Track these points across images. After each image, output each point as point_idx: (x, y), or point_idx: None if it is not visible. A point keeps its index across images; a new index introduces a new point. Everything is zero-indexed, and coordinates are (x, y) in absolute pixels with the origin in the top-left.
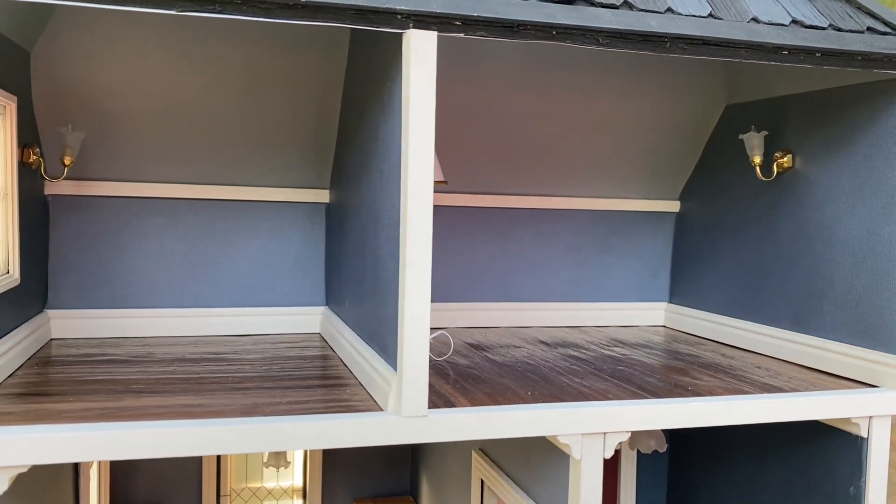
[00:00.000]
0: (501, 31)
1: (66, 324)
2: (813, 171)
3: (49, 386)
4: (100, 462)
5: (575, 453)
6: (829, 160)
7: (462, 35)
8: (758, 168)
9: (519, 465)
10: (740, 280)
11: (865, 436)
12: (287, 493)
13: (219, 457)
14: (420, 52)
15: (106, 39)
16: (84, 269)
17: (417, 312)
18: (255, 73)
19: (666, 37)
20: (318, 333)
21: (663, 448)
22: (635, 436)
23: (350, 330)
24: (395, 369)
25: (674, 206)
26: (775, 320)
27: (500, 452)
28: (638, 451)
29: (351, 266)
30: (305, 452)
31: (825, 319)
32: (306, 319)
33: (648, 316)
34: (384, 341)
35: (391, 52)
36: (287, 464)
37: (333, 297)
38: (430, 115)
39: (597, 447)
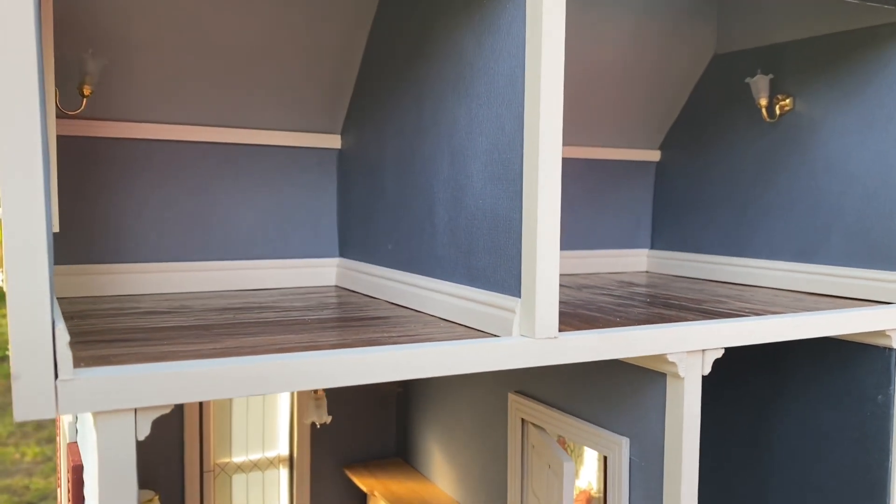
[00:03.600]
0: None
1: (70, 281)
2: (816, 112)
3: (119, 334)
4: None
5: (681, 371)
6: (833, 101)
7: None
8: (763, 110)
9: (580, 399)
10: (734, 221)
11: (895, 346)
12: (273, 463)
13: (201, 432)
14: None
15: None
16: (85, 219)
17: (549, 239)
18: (277, 5)
19: None
20: (335, 286)
21: None
22: None
23: (405, 272)
24: (519, 296)
25: (654, 156)
26: (775, 255)
27: (547, 390)
28: None
29: (402, 211)
30: (291, 422)
31: (833, 249)
32: (321, 272)
33: (630, 262)
34: (495, 274)
35: None
36: (328, 420)
37: (353, 246)
38: (561, 39)
39: (697, 364)
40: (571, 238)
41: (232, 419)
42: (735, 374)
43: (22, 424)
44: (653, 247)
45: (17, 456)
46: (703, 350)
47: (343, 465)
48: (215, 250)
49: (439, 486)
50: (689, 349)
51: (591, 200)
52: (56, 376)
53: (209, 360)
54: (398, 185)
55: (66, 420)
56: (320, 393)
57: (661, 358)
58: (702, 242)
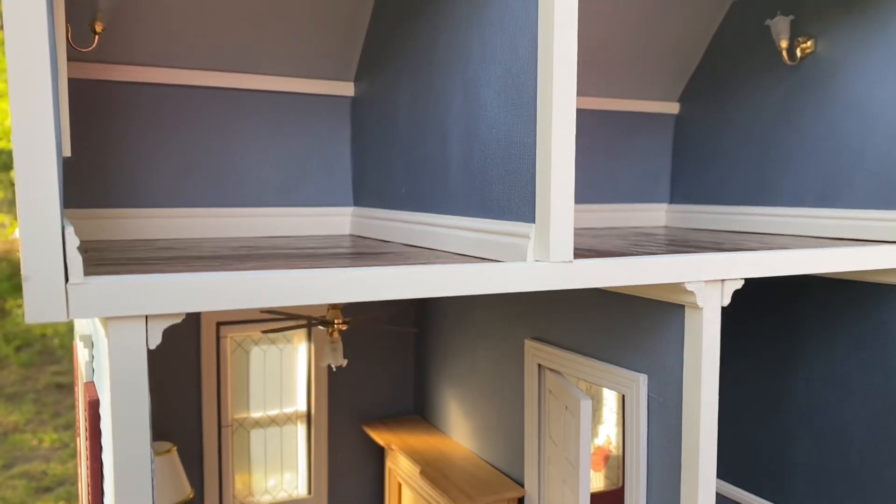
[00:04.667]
0: None
1: (83, 224)
2: (838, 53)
3: (132, 262)
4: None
5: (699, 301)
6: (854, 41)
7: None
8: (784, 53)
9: (597, 340)
10: (754, 171)
11: None
12: (291, 419)
13: (218, 387)
14: None
15: None
16: (99, 164)
17: (563, 161)
18: None
19: None
20: (349, 234)
21: None
22: None
23: (418, 213)
24: (534, 221)
25: (673, 108)
26: (797, 201)
27: (563, 335)
28: None
29: (416, 152)
30: (309, 377)
31: (855, 192)
32: (335, 220)
33: (649, 217)
34: (509, 203)
35: None
36: (343, 363)
37: (368, 195)
38: None
39: (716, 295)
40: (587, 192)
41: (250, 376)
42: (755, 320)
43: (39, 411)
44: (672, 201)
45: (35, 442)
46: (723, 280)
47: (361, 423)
48: (229, 197)
49: (456, 441)
50: (707, 278)
51: (608, 153)
52: (66, 280)
53: (221, 272)
54: (411, 127)
55: (82, 361)
56: (336, 336)
57: (678, 289)
58: (722, 194)
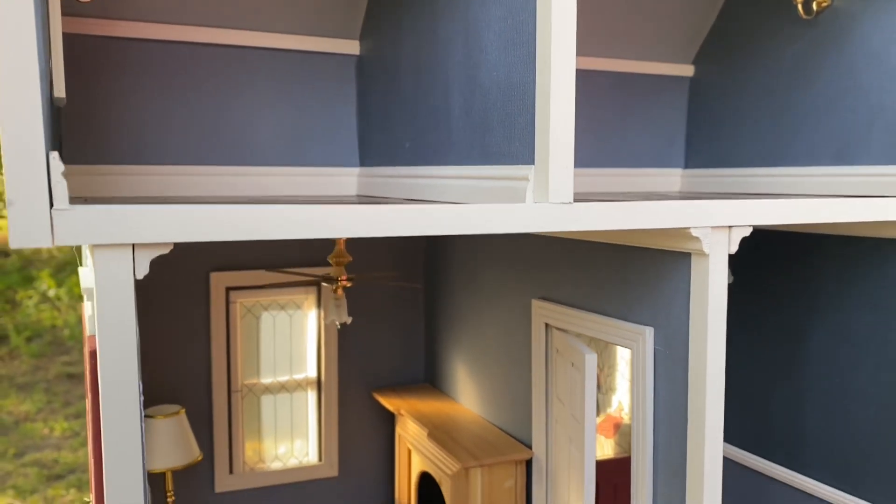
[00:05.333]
0: None
1: (81, 181)
2: (855, 5)
3: (129, 202)
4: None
5: (705, 247)
6: None
7: None
8: (800, 6)
9: (604, 295)
10: (771, 130)
11: None
12: (301, 385)
13: (228, 352)
14: None
15: None
16: (99, 120)
17: (562, 100)
18: None
19: None
20: (355, 195)
21: (730, 279)
22: None
23: (420, 167)
24: (533, 163)
25: (688, 70)
26: (815, 160)
27: (570, 292)
28: None
29: (419, 105)
30: (319, 344)
31: (874, 148)
32: (340, 181)
33: (663, 182)
34: (509, 147)
35: None
36: (348, 320)
37: (373, 154)
38: None
39: (723, 241)
40: (600, 156)
41: (260, 342)
42: (769, 280)
43: (50, 401)
44: (687, 165)
45: (46, 431)
46: (730, 227)
47: (371, 390)
48: (231, 156)
49: (466, 406)
50: (714, 224)
51: (621, 117)
52: (51, 205)
53: (216, 205)
54: (415, 80)
55: (87, 316)
56: (340, 293)
57: (684, 236)
58: (738, 156)
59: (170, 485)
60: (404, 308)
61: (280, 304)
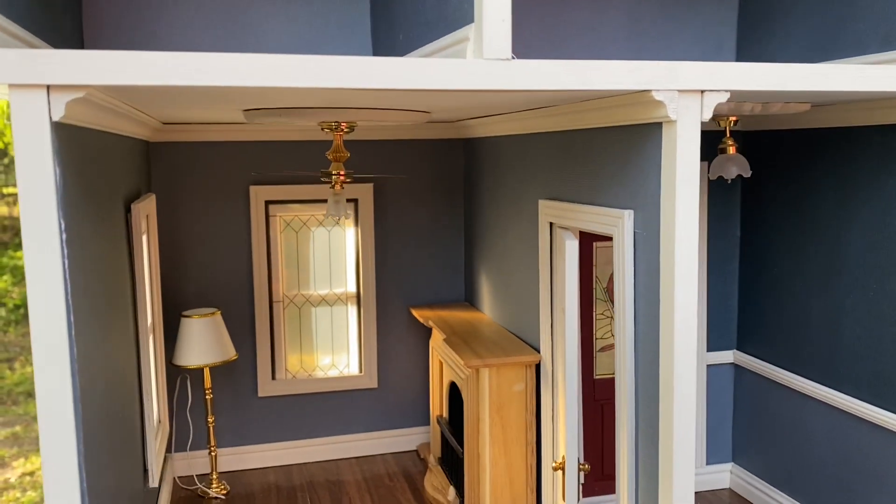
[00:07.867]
0: None
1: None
2: None
3: None
4: (151, 262)
5: (670, 112)
6: None
7: None
8: None
9: (594, 186)
10: (820, 24)
11: None
12: (341, 299)
13: (269, 264)
14: None
15: None
16: (117, 9)
17: None
18: None
19: None
20: None
21: (747, 173)
22: (717, 163)
23: (411, 53)
24: (473, 21)
25: None
26: (861, 49)
27: (570, 188)
28: (710, 183)
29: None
30: (357, 258)
31: None
32: None
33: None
34: (461, 13)
35: None
36: (348, 215)
37: (383, 51)
38: None
39: (693, 107)
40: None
41: (298, 255)
42: (800, 182)
43: None
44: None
45: None
46: (703, 91)
47: (409, 306)
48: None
49: (487, 315)
50: (681, 87)
51: (664, 18)
52: None
53: (128, 51)
54: None
55: None
56: (339, 188)
57: (651, 103)
58: (785, 56)
59: (208, 382)
60: (445, 228)
61: (318, 219)
